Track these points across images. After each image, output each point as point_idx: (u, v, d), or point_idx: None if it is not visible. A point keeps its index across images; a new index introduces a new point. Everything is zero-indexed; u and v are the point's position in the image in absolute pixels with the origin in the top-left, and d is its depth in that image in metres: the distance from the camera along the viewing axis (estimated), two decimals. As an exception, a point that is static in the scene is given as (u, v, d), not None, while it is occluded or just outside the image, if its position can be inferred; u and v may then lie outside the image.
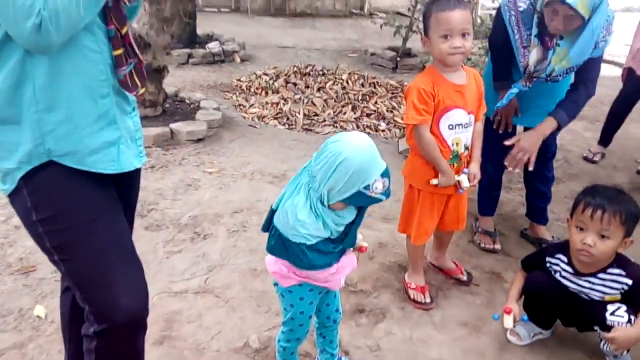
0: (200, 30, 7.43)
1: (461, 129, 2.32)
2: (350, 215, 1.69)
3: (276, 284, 1.85)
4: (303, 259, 1.66)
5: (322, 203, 1.61)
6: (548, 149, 2.95)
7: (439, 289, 2.69)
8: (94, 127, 1.40)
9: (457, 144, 2.33)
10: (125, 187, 1.62)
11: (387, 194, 1.57)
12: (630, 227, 2.05)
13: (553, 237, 3.13)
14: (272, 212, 1.73)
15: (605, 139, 4.61)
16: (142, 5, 4.07)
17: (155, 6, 4.09)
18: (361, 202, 1.59)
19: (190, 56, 6.57)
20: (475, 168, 2.40)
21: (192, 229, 3.10)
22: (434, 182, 2.34)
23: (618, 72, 4.58)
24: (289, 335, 1.92)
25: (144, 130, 4.21)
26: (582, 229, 2.08)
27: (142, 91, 1.50)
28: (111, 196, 1.52)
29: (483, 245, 3.09)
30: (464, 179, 2.36)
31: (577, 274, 2.16)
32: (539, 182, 3.11)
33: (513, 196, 3.73)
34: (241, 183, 3.68)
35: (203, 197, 3.46)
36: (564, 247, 2.22)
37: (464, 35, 2.15)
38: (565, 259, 2.20)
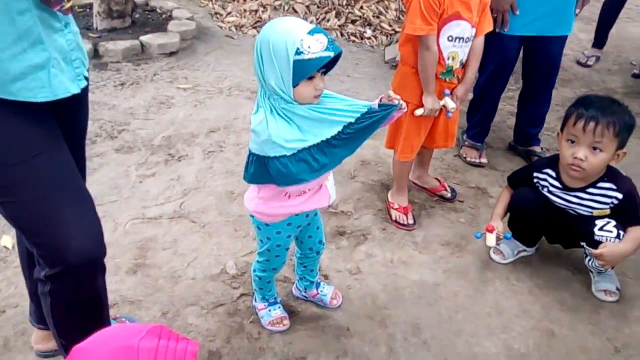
0: None
1: (460, 43, 2.17)
2: (329, 101, 1.52)
3: (252, 215, 1.74)
4: (286, 172, 1.49)
5: (286, 101, 1.45)
6: (553, 59, 2.78)
7: (421, 207, 2.61)
8: (13, 48, 1.21)
9: (453, 58, 2.18)
10: (67, 115, 1.44)
11: (332, 48, 1.38)
12: (624, 138, 1.94)
13: (542, 149, 3.02)
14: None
15: (599, 39, 4.41)
16: None
17: None
18: (307, 70, 1.38)
19: (161, -40, 6.09)
20: (462, 90, 2.27)
21: (166, 150, 2.95)
22: (418, 112, 2.22)
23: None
24: (264, 264, 1.84)
25: (111, 44, 3.95)
26: (573, 142, 1.96)
27: (68, 4, 1.28)
28: (49, 127, 1.35)
29: (469, 159, 2.98)
30: (447, 101, 2.23)
31: (565, 188, 2.07)
32: (536, 104, 2.93)
33: (502, 105, 3.55)
34: (217, 99, 3.49)
35: (177, 115, 3.28)
36: (552, 161, 2.11)
37: None
38: (553, 174, 2.10)
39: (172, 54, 3.98)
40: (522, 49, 2.80)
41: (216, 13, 4.91)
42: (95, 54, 3.78)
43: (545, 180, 2.12)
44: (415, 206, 2.58)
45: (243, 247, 2.31)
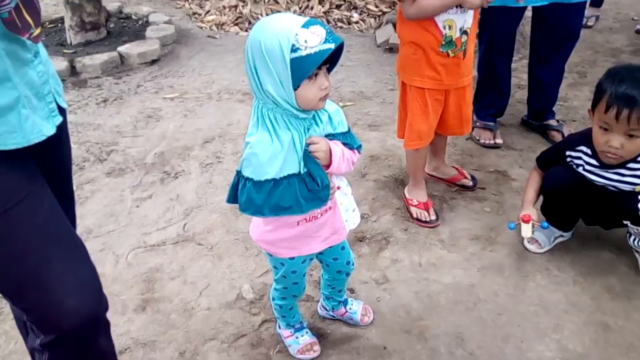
0: None
1: (454, 10, 1.95)
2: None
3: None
4: (265, 197, 1.31)
5: (287, 110, 1.28)
6: (572, 29, 2.57)
7: (442, 200, 2.42)
8: None
9: (450, 27, 1.97)
10: (46, 155, 1.24)
11: (332, 39, 1.21)
12: None
13: (559, 121, 2.84)
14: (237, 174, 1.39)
15: (596, -1, 4.21)
16: None
17: None
18: (308, 67, 1.21)
19: (130, -37, 5.83)
20: None
21: (160, 167, 2.75)
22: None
23: None
24: (282, 292, 1.66)
25: (88, 58, 3.72)
26: (606, 130, 1.77)
27: (36, 32, 1.09)
28: (26, 171, 1.15)
29: (483, 141, 2.79)
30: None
31: (603, 166, 1.89)
32: (550, 78, 2.72)
33: (508, 79, 3.38)
34: (208, 106, 3.28)
35: (167, 128, 3.07)
36: (586, 138, 1.92)
37: None
38: (588, 151, 1.91)
39: (153, 62, 3.76)
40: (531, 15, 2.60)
41: (194, 13, 4.69)
42: (72, 71, 3.55)
43: (579, 158, 1.94)
44: (435, 200, 2.40)
45: (257, 266, 2.13)
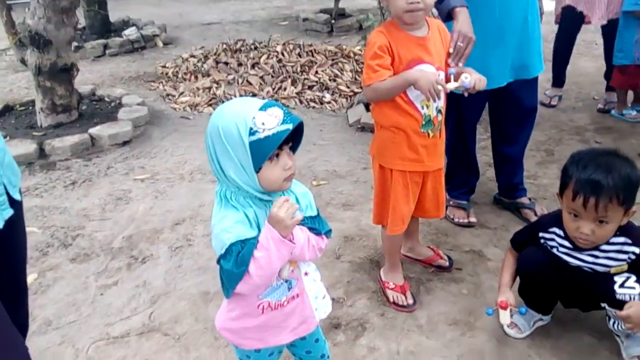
0: (114, 17, 6.77)
1: None
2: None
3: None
4: (234, 259, 1.28)
5: (250, 195, 1.30)
6: (528, 102, 2.64)
7: (419, 282, 2.37)
8: None
9: (427, 106, 1.98)
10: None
11: (289, 120, 1.23)
12: (631, 199, 1.72)
13: (530, 200, 2.86)
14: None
15: (558, 78, 4.41)
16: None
17: (48, -5, 3.50)
18: (266, 149, 1.22)
19: (105, 47, 5.95)
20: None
21: (128, 252, 2.66)
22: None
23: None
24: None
25: (58, 141, 3.69)
26: (575, 216, 1.77)
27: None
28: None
29: (457, 220, 2.78)
30: (465, 77, 1.87)
31: (577, 248, 1.87)
32: (512, 149, 2.76)
33: (478, 156, 3.42)
34: (179, 187, 3.24)
35: (136, 210, 3.00)
36: (558, 220, 1.90)
37: None
38: (561, 233, 1.89)
39: (125, 143, 3.73)
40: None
41: (168, 95, 4.74)
42: (41, 153, 3.50)
43: (553, 240, 1.92)
44: (411, 281, 2.34)
45: (227, 358, 2.01)
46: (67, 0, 3.53)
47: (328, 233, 1.45)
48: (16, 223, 1.28)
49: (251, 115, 1.22)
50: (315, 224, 1.40)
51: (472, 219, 2.77)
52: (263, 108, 1.24)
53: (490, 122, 2.83)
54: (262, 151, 1.23)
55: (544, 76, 4.70)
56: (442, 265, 2.42)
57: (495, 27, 2.36)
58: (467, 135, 2.72)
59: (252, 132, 1.21)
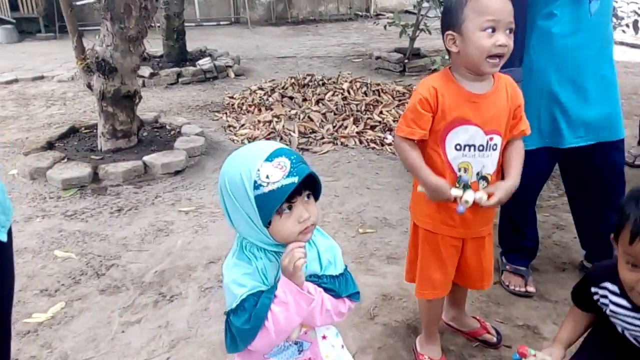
0: (193, 46, 6.98)
1: (473, 152, 1.71)
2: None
3: None
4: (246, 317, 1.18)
5: (265, 249, 1.22)
6: (615, 170, 2.32)
7: (459, 357, 2.10)
8: None
9: (466, 170, 1.74)
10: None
11: (296, 172, 1.13)
12: None
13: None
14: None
15: (644, 136, 3.99)
16: (104, 25, 3.59)
17: (117, 24, 3.58)
18: (272, 204, 1.13)
19: (179, 75, 6.10)
20: (502, 190, 1.72)
21: (157, 288, 2.57)
22: (420, 188, 1.78)
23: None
24: None
25: (112, 166, 3.70)
26: (634, 265, 1.44)
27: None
28: None
29: (512, 288, 2.48)
30: (468, 195, 1.68)
31: (637, 308, 1.50)
32: (600, 224, 2.38)
33: (544, 217, 3.11)
34: (221, 222, 3.14)
35: (174, 244, 2.93)
36: (611, 271, 1.51)
37: (509, 31, 1.62)
38: (615, 289, 1.53)
39: (177, 172, 3.71)
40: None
41: (230, 126, 4.74)
42: (94, 177, 3.54)
43: (605, 297, 1.56)
44: (450, 355, 2.08)
45: (235, 421, 1.84)
46: (134, 30, 3.60)
47: (354, 296, 1.30)
48: (0, 264, 1.19)
49: (256, 166, 1.13)
50: (334, 285, 1.26)
51: (530, 288, 2.46)
52: (269, 158, 1.14)
53: (567, 189, 2.53)
54: (268, 206, 1.14)
55: (630, 132, 4.32)
56: (488, 340, 2.14)
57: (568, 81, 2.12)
58: (525, 201, 2.42)
59: (256, 186, 1.13)
